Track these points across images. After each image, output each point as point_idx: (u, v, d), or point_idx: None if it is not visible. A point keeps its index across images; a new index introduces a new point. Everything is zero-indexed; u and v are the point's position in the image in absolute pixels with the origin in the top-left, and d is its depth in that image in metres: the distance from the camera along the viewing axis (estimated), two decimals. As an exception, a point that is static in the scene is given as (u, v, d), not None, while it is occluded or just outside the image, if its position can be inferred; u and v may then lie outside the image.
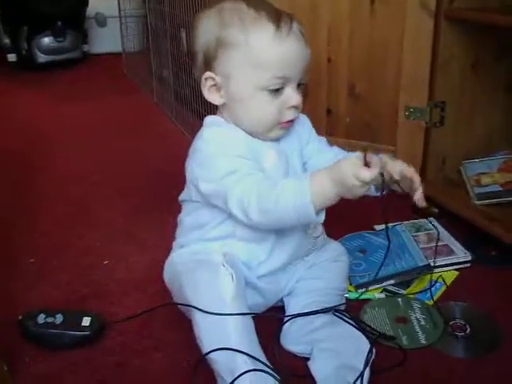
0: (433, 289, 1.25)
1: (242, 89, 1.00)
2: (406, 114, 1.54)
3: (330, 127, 1.71)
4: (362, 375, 0.93)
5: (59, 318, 1.09)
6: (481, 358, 1.05)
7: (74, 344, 1.07)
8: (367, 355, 0.97)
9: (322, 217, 0.93)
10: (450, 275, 1.30)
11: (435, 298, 1.22)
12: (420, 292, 1.24)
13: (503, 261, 1.33)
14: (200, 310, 0.95)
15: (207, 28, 1.01)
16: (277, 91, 1.00)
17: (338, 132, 1.70)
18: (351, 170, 0.87)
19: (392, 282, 1.25)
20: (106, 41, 3.79)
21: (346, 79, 1.64)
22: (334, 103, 1.68)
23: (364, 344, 1.01)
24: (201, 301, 0.96)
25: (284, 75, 0.99)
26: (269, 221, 0.96)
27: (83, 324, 1.08)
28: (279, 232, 1.07)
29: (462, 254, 1.34)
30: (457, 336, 1.11)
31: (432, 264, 1.28)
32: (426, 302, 1.20)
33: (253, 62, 0.97)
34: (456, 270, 1.32)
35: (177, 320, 1.13)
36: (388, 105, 1.61)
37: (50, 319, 1.09)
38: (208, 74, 1.00)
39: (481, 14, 1.37)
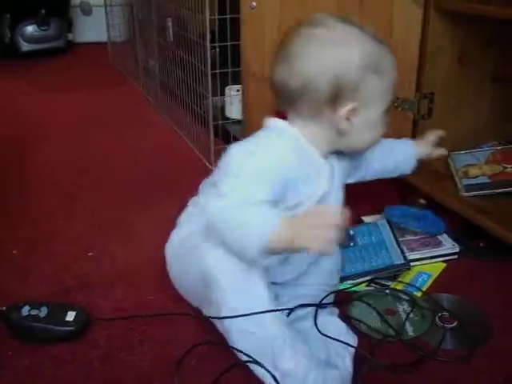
0: (420, 280, 1.25)
1: (375, 114, 1.00)
2: (394, 105, 1.53)
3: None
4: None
5: (44, 311, 1.07)
6: (469, 350, 1.05)
7: (58, 339, 1.06)
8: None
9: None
10: (438, 267, 1.30)
11: (423, 289, 1.22)
12: (408, 284, 1.23)
13: (491, 252, 1.33)
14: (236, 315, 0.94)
15: (340, 56, 0.95)
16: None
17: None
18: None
19: (367, 278, 1.25)
20: (91, 30, 3.74)
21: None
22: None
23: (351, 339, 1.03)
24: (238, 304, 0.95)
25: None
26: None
27: (68, 319, 1.07)
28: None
29: (449, 246, 1.34)
30: (445, 328, 1.11)
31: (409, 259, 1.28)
32: (414, 293, 1.20)
33: (389, 86, 0.99)
34: (444, 261, 1.32)
35: (161, 312, 1.12)
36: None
37: (34, 311, 1.07)
38: (352, 104, 0.96)
39: (470, 5, 1.36)
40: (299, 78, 0.95)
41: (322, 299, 1.11)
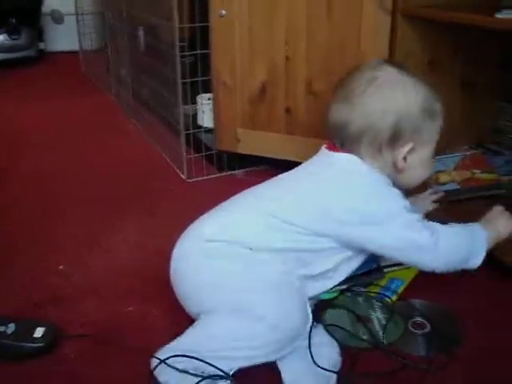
0: (393, 286, 1.25)
1: (428, 153, 1.08)
2: (365, 112, 1.54)
3: (290, 126, 1.69)
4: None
5: (11, 328, 1.05)
6: (442, 355, 1.05)
7: (26, 356, 1.03)
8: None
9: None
10: (411, 272, 1.30)
11: (396, 295, 1.22)
12: (381, 290, 1.23)
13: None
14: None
15: (403, 99, 1.02)
16: None
17: (297, 131, 1.69)
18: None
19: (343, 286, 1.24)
20: (63, 38, 3.71)
21: (304, 77, 1.62)
22: (293, 102, 1.66)
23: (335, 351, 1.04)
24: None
25: None
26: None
27: (36, 335, 1.04)
28: None
29: (421, 251, 1.34)
30: (417, 334, 1.11)
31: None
32: (387, 300, 1.20)
33: (439, 127, 1.06)
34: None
35: (136, 324, 1.10)
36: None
37: (1, 328, 1.05)
38: (411, 145, 1.03)
39: (436, 11, 1.37)
40: (362, 119, 1.01)
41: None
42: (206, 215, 1.13)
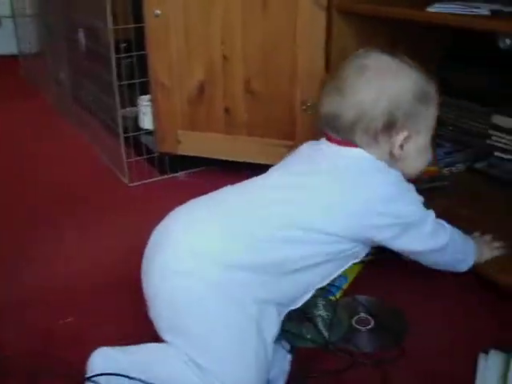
0: (337, 283, 1.24)
1: (424, 141, 1.05)
2: (303, 108, 1.54)
3: (229, 126, 1.68)
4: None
5: None
6: (387, 350, 1.05)
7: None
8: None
9: None
10: (355, 268, 1.30)
11: (339, 293, 1.22)
12: (324, 288, 1.23)
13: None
14: None
15: (394, 86, 1.00)
16: None
17: (237, 130, 1.67)
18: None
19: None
20: (0, 42, 3.60)
21: (241, 76, 1.61)
22: (231, 101, 1.65)
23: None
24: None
25: None
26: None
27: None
28: None
29: (364, 247, 1.34)
30: (361, 330, 1.11)
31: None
32: (330, 298, 1.20)
33: (435, 114, 1.05)
34: (360, 262, 1.32)
35: (71, 338, 1.07)
36: (285, 100, 1.59)
37: None
38: (407, 132, 1.01)
39: (371, 7, 1.37)
40: (354, 109, 0.99)
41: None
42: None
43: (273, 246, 0.94)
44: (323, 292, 1.20)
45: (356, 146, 1.01)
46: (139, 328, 1.02)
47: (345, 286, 1.24)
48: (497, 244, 1.19)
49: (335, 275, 1.05)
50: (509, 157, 1.53)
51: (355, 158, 1.02)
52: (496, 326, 1.13)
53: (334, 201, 0.97)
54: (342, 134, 1.02)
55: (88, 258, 1.36)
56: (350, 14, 1.45)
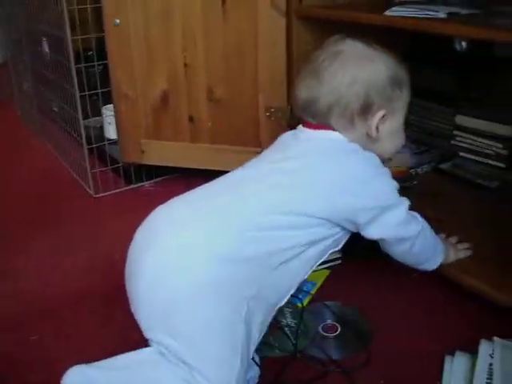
0: (305, 288, 1.24)
1: (398, 123, 1.06)
2: (267, 114, 1.53)
3: (194, 134, 1.67)
4: None
5: None
6: (354, 356, 1.05)
7: None
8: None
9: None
10: (322, 274, 1.30)
11: (307, 298, 1.21)
12: (291, 295, 1.22)
13: (372, 252, 1.34)
14: None
15: (368, 70, 1.01)
16: None
17: (201, 138, 1.66)
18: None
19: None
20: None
21: (204, 84, 1.60)
22: (195, 109, 1.63)
23: None
24: None
25: None
26: None
27: None
28: None
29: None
30: (329, 337, 1.11)
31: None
32: (298, 304, 1.19)
33: (407, 97, 1.06)
34: (327, 268, 1.32)
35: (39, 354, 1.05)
36: (249, 106, 1.59)
37: None
38: (382, 112, 1.02)
39: (329, 11, 1.38)
40: (330, 93, 1.00)
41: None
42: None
43: (258, 235, 0.94)
44: (290, 299, 1.20)
45: (333, 129, 1.02)
46: (114, 339, 1.01)
47: (313, 291, 1.24)
48: (461, 246, 1.20)
49: (316, 265, 1.04)
50: (473, 157, 1.55)
51: (329, 139, 1.03)
52: (462, 326, 1.13)
53: (310, 182, 0.98)
54: (318, 118, 1.03)
55: (53, 269, 1.33)
56: (309, 19, 1.44)
